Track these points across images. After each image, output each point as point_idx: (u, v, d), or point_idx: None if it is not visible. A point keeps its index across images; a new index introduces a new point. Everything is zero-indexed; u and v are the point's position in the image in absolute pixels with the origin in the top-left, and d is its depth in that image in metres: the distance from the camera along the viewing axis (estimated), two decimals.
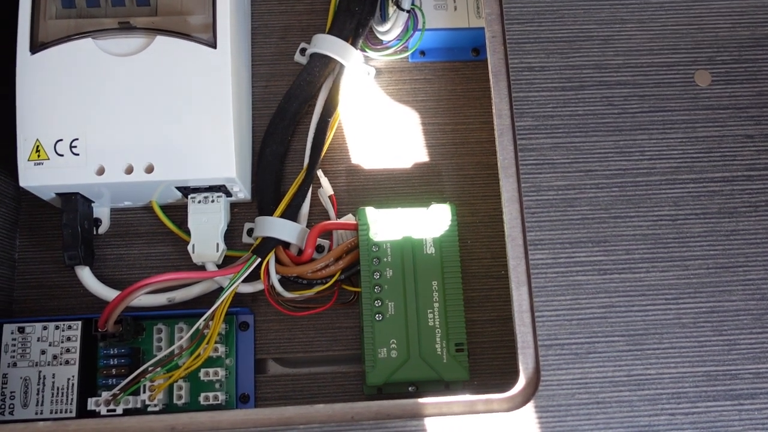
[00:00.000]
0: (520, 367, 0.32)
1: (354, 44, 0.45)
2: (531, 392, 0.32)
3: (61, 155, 0.40)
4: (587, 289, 0.33)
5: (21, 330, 0.41)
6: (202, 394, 0.41)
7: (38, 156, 0.40)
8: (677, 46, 0.35)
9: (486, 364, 0.43)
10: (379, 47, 0.47)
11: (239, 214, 0.46)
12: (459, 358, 0.41)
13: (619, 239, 0.33)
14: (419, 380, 0.40)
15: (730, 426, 0.31)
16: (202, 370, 0.41)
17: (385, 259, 0.42)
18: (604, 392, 0.32)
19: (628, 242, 0.33)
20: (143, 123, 0.40)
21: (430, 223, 0.42)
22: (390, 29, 0.45)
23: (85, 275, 0.42)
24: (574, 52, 0.35)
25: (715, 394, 0.32)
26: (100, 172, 0.40)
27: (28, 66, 0.40)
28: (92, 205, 0.44)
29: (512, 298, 0.33)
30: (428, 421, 0.31)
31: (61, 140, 0.40)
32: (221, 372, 0.42)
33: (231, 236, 0.45)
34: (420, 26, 0.45)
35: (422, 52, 0.48)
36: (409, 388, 0.41)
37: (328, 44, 0.45)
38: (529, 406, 0.31)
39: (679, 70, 0.35)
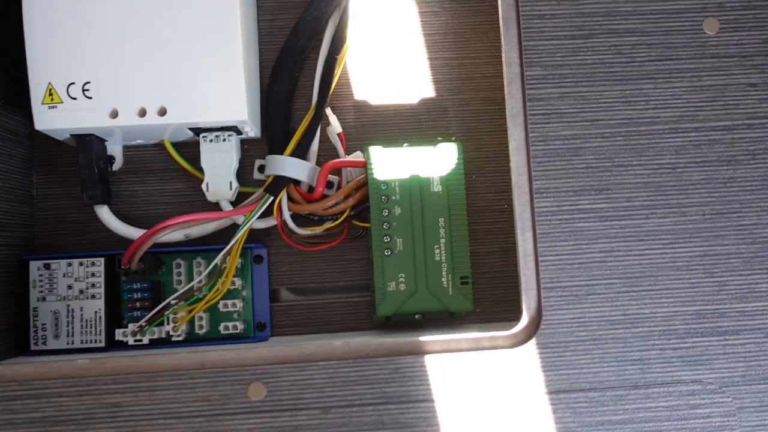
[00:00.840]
0: (524, 307, 0.35)
1: None
2: (533, 330, 0.34)
3: (74, 98, 0.41)
4: (588, 235, 0.35)
5: (47, 266, 0.43)
6: (222, 324, 0.44)
7: (51, 99, 0.40)
8: None
9: (488, 293, 0.45)
10: None
11: (249, 150, 0.47)
12: (464, 291, 0.43)
13: (620, 187, 0.35)
14: (426, 311, 0.43)
15: (714, 359, 0.34)
16: (221, 302, 0.44)
17: (393, 197, 0.43)
18: (600, 330, 0.34)
19: (629, 190, 0.35)
20: (154, 65, 0.40)
21: (437, 161, 0.44)
22: None
23: (105, 214, 0.44)
24: None
25: (702, 330, 0.34)
26: (114, 115, 0.41)
27: (33, 6, 0.40)
28: (106, 143, 0.45)
29: (517, 242, 0.35)
30: (437, 358, 0.34)
31: (73, 83, 0.40)
32: (239, 303, 0.44)
33: (242, 172, 0.46)
34: None
35: None
36: (416, 316, 0.44)
37: None
38: (531, 343, 0.34)
39: (688, 17, 0.35)
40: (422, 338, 0.34)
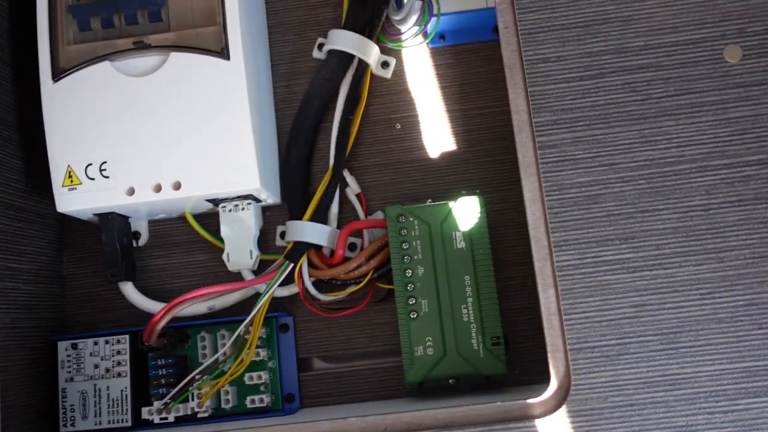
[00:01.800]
0: (551, 371, 0.32)
1: (371, 36, 0.44)
2: (563, 396, 0.31)
3: (93, 179, 0.41)
4: (616, 288, 0.32)
5: (74, 346, 0.43)
6: (249, 397, 0.43)
7: (71, 181, 0.41)
8: (703, 20, 0.33)
9: (526, 352, 0.43)
10: (396, 36, 0.45)
11: (271, 217, 0.46)
12: (496, 352, 0.40)
13: (647, 234, 0.32)
14: (457, 375, 0.41)
15: None
16: (247, 375, 0.43)
17: (416, 257, 0.42)
18: (638, 393, 0.31)
19: (657, 237, 0.32)
20: (166, 141, 0.41)
21: (458, 216, 0.42)
22: (406, 17, 0.44)
23: (129, 290, 0.44)
24: (591, 37, 0.33)
25: (755, 390, 0.31)
26: (131, 192, 0.41)
27: (51, 94, 0.41)
28: (129, 219, 0.45)
29: (540, 300, 0.32)
30: None
31: (91, 164, 0.41)
32: (264, 375, 0.43)
33: (265, 239, 0.45)
34: (435, 11, 0.44)
35: (441, 36, 0.46)
36: (450, 381, 0.41)
37: (344, 39, 0.44)
38: (562, 411, 0.31)
39: (706, 46, 0.33)
40: (444, 410, 0.32)
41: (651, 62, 0.33)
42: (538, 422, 0.31)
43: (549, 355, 0.32)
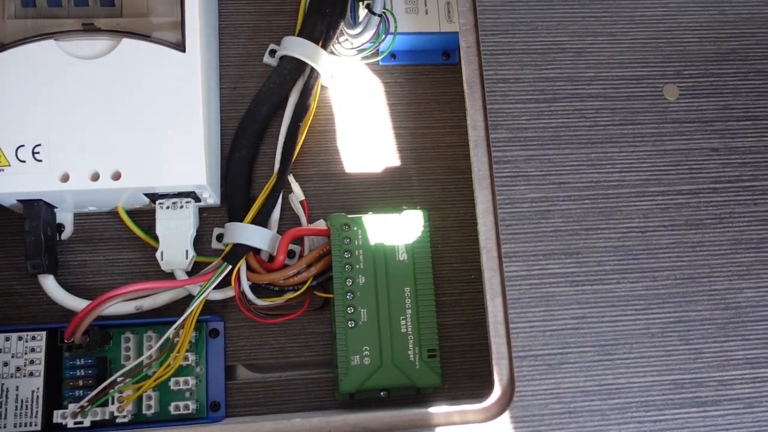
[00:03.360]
0: (495, 378, 0.33)
1: (324, 47, 0.45)
2: (506, 403, 0.32)
3: (23, 161, 0.39)
4: (560, 300, 0.33)
5: None
6: (173, 404, 0.41)
7: None
8: (647, 59, 0.36)
9: (457, 368, 0.43)
10: (349, 50, 0.46)
11: (208, 219, 0.45)
12: (431, 364, 0.41)
13: (590, 251, 0.34)
14: (392, 387, 0.41)
15: None
16: (172, 380, 0.41)
17: (357, 266, 0.42)
18: (576, 402, 0.32)
19: (599, 254, 0.34)
20: (109, 128, 0.39)
21: (402, 229, 0.42)
22: (361, 32, 0.45)
23: (50, 284, 0.41)
24: (547, 64, 0.35)
25: (681, 401, 0.33)
26: (65, 179, 0.39)
27: None
28: (55, 210, 0.43)
29: (487, 309, 0.33)
30: None
31: (22, 146, 0.39)
32: (191, 380, 0.41)
33: (200, 242, 0.44)
34: (392, 30, 0.45)
35: (393, 55, 0.48)
36: (381, 394, 0.41)
37: (299, 47, 0.44)
38: (504, 417, 0.32)
39: (648, 83, 0.36)
40: (388, 413, 0.32)
41: (600, 92, 0.35)
42: (480, 427, 0.32)
43: (494, 362, 0.33)
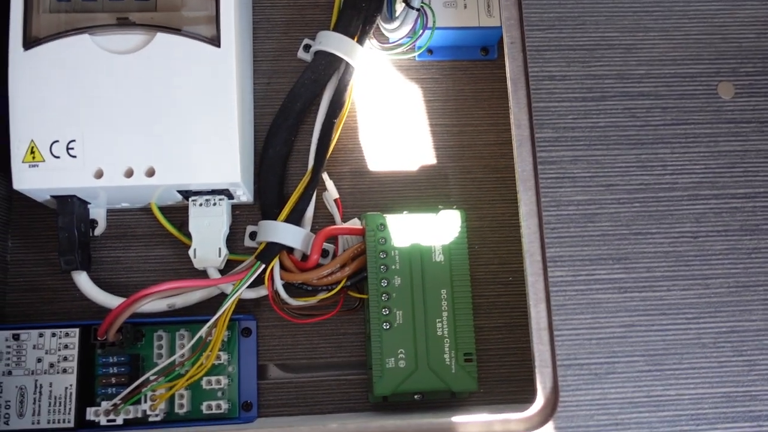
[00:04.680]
0: (538, 387, 0.32)
1: (360, 42, 0.44)
2: (549, 413, 0.31)
3: (58, 157, 0.38)
4: (607, 307, 0.32)
5: (16, 337, 0.40)
6: (205, 403, 0.40)
7: (33, 158, 0.38)
8: (700, 56, 0.34)
9: (493, 372, 0.42)
10: (386, 45, 0.45)
11: (240, 216, 0.44)
12: (468, 369, 0.40)
13: (639, 256, 0.32)
14: (427, 390, 0.40)
15: None
16: (205, 379, 0.40)
17: (393, 267, 0.41)
18: (623, 413, 0.31)
19: (649, 260, 0.32)
20: (143, 124, 0.39)
21: (439, 229, 0.41)
22: (398, 27, 0.44)
23: (83, 281, 0.41)
24: (595, 60, 0.34)
25: (734, 415, 0.31)
26: (99, 175, 0.39)
27: (20, 62, 0.38)
28: (88, 206, 0.42)
29: (530, 315, 0.32)
30: None
31: (57, 141, 0.38)
32: (223, 380, 0.41)
33: (232, 239, 0.43)
34: (430, 25, 0.44)
35: (430, 51, 0.46)
36: (415, 396, 0.40)
37: (334, 42, 0.43)
38: (548, 427, 0.31)
39: (701, 81, 0.34)
40: (428, 421, 0.31)
41: (651, 90, 0.34)
42: None
43: (537, 370, 0.32)
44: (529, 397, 0.41)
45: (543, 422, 0.31)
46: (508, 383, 0.42)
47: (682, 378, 0.31)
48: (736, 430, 0.31)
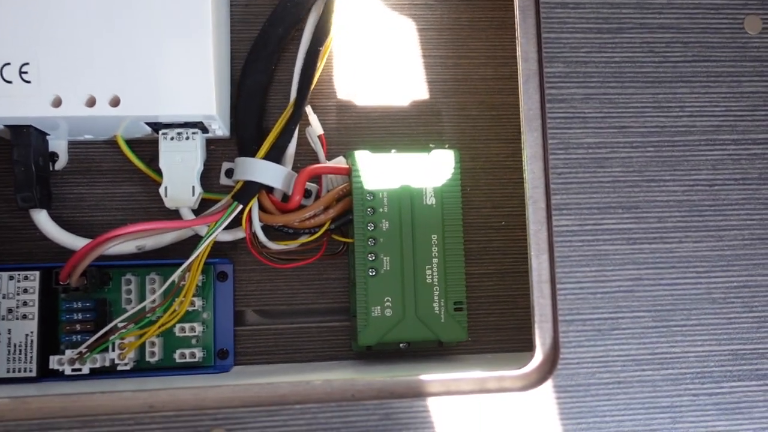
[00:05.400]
0: (537, 342, 0.30)
1: None
2: (548, 370, 0.29)
3: (9, 82, 0.34)
4: (614, 260, 0.30)
5: None
6: (178, 351, 0.38)
7: None
8: None
9: (482, 320, 0.41)
10: None
11: (216, 152, 0.41)
12: (458, 318, 0.38)
13: (651, 205, 0.30)
14: (414, 340, 0.38)
15: (754, 407, 0.30)
16: (178, 326, 0.38)
17: (380, 210, 0.38)
18: (626, 371, 0.29)
19: (660, 209, 0.30)
20: (108, 48, 0.35)
21: (430, 170, 0.39)
22: None
23: (43, 219, 0.38)
24: None
25: (740, 373, 0.30)
26: (57, 103, 0.35)
27: None
28: (48, 137, 0.38)
29: (531, 266, 0.30)
30: (436, 401, 0.29)
31: (8, 64, 0.34)
32: (198, 327, 0.38)
33: (207, 177, 0.40)
34: None
35: None
36: (401, 345, 0.38)
37: None
38: (546, 385, 0.29)
39: (727, 14, 0.31)
40: (418, 378, 0.29)
41: (672, 23, 0.30)
42: (519, 396, 0.29)
43: (536, 325, 0.30)
44: (518, 346, 0.40)
45: (541, 380, 0.29)
46: (497, 332, 0.41)
47: (689, 335, 0.30)
48: (742, 389, 0.30)
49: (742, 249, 0.30)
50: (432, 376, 0.29)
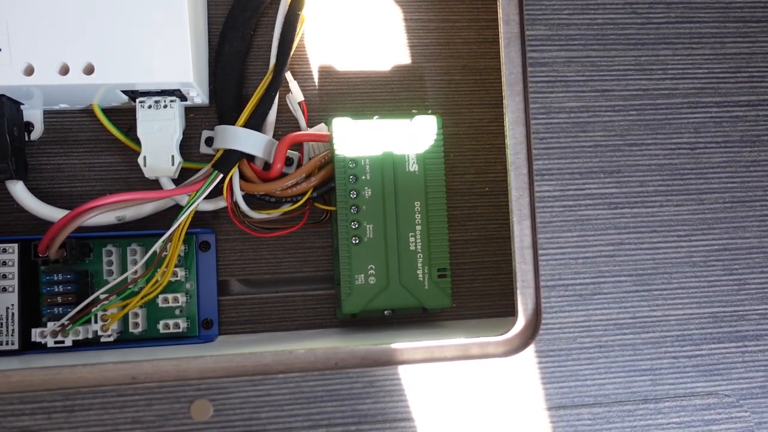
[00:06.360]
0: (519, 308, 0.30)
1: None
2: (530, 335, 0.29)
3: None
4: (596, 224, 0.30)
5: None
6: (162, 322, 0.38)
7: None
8: None
9: (466, 286, 0.41)
10: None
11: (195, 120, 0.40)
12: (441, 285, 0.38)
13: (633, 169, 0.30)
14: (398, 308, 0.38)
15: (732, 368, 0.30)
16: (161, 296, 0.38)
17: (363, 177, 0.38)
18: (607, 335, 0.29)
19: (642, 173, 0.30)
20: (80, 13, 0.34)
21: (413, 136, 0.38)
22: None
23: (19, 191, 0.37)
24: None
25: (719, 335, 0.30)
26: (29, 71, 0.34)
27: None
28: (22, 107, 0.38)
29: (513, 232, 0.30)
30: (419, 368, 0.29)
31: None
32: (181, 297, 0.38)
33: (186, 145, 0.40)
34: None
35: None
36: (385, 312, 0.38)
37: None
38: (528, 351, 0.29)
39: None
40: (400, 345, 0.29)
41: None
42: (501, 361, 0.29)
43: (518, 291, 0.30)
44: (501, 311, 0.40)
45: (523, 346, 0.29)
46: (481, 298, 0.41)
47: (670, 298, 0.30)
48: (721, 350, 0.30)
49: (723, 212, 0.30)
50: (415, 344, 0.29)
